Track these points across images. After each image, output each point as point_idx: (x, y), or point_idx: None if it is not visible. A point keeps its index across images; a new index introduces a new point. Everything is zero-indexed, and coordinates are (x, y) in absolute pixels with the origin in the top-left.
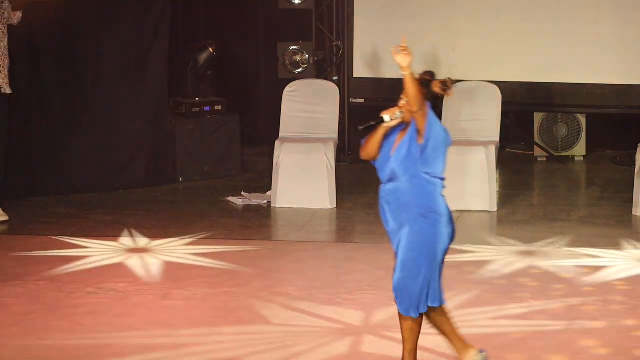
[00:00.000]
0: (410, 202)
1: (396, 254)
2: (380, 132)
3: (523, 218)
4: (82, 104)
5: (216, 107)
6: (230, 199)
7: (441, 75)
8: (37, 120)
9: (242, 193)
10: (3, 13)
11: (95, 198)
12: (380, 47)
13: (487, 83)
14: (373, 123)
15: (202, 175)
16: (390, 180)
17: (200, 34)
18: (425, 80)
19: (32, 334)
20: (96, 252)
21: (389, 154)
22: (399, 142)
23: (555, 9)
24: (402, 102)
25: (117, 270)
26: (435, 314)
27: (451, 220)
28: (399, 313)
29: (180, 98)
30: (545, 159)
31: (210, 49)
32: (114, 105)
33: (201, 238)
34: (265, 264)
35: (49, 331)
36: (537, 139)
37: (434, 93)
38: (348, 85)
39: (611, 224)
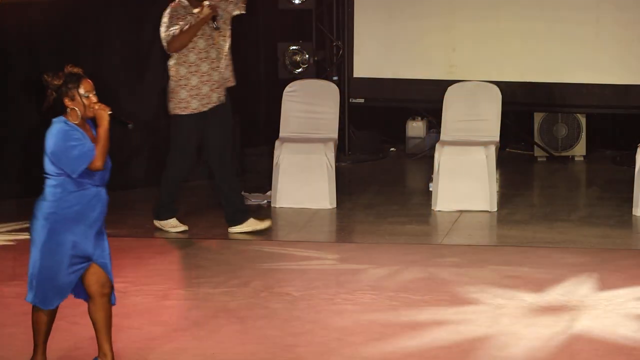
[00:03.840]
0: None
1: (90, 256)
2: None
3: (523, 218)
4: None
5: None
6: None
7: (442, 75)
8: (36, 120)
9: (242, 193)
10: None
11: None
12: (380, 47)
13: (487, 83)
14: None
15: (202, 175)
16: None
17: None
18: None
19: (32, 334)
20: None
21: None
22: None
23: (555, 10)
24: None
25: (117, 270)
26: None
27: None
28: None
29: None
30: (545, 159)
31: None
32: (113, 105)
33: (201, 238)
34: (265, 264)
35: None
36: (537, 139)
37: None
38: (348, 85)
39: (611, 224)
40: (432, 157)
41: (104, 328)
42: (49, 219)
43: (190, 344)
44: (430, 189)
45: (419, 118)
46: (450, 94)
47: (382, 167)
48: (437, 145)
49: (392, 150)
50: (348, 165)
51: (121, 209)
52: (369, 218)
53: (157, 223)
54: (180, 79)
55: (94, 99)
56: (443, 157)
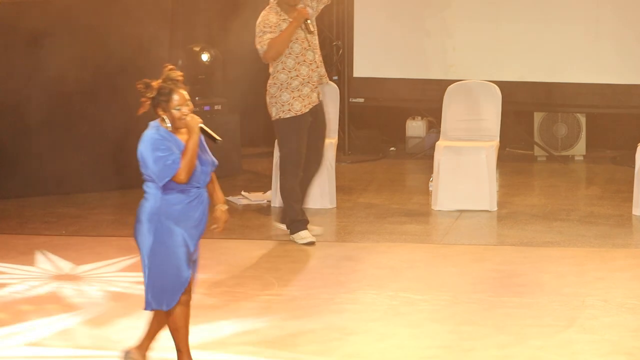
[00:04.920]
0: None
1: (192, 254)
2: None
3: (523, 218)
4: (82, 104)
5: (216, 107)
6: (230, 198)
7: (442, 75)
8: (36, 119)
9: (242, 193)
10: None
11: (95, 198)
12: (381, 47)
13: (487, 83)
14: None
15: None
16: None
17: (200, 34)
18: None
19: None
20: (95, 252)
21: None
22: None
23: (555, 9)
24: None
25: (118, 269)
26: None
27: None
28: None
29: None
30: (545, 158)
31: (205, 55)
32: (114, 104)
33: (201, 237)
34: (266, 264)
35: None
36: (537, 138)
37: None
38: (348, 85)
39: (611, 223)
40: (432, 157)
41: (157, 331)
42: (152, 219)
43: (190, 344)
44: (431, 189)
45: (419, 118)
46: (450, 94)
47: (382, 167)
48: (437, 145)
49: (392, 150)
50: (348, 165)
51: (121, 209)
52: (369, 218)
53: (291, 238)
54: (282, 84)
55: (185, 110)
56: (443, 157)
